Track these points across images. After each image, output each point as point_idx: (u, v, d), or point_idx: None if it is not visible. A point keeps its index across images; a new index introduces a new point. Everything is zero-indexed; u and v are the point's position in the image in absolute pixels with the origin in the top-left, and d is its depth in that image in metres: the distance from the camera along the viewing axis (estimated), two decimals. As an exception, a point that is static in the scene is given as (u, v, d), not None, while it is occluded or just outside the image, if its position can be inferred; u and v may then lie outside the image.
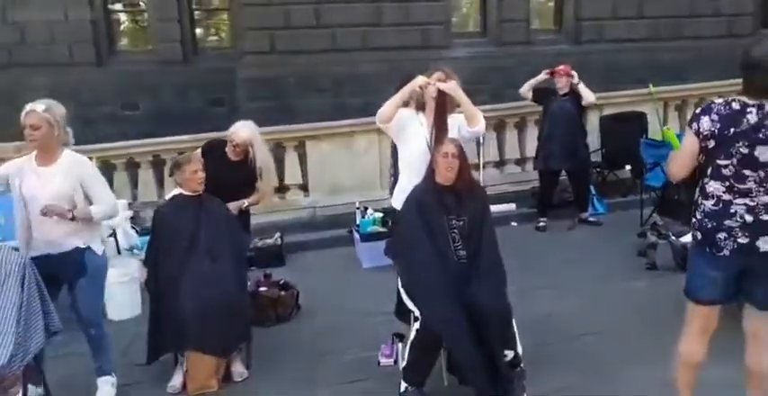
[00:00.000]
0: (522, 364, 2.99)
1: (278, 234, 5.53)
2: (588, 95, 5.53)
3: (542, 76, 5.81)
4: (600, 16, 9.63)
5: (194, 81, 9.39)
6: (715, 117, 2.16)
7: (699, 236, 2.28)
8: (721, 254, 2.22)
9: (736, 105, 2.16)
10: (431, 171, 3.00)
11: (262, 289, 4.15)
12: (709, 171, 2.22)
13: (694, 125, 2.21)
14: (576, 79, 5.59)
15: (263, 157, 3.87)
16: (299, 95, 8.75)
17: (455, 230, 2.93)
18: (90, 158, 5.51)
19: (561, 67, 5.71)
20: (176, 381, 3.30)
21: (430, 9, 9.21)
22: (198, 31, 10.18)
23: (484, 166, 6.63)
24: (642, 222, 5.36)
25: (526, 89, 5.91)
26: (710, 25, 9.82)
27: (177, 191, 3.49)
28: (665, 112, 6.90)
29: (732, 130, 2.13)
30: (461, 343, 2.71)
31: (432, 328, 2.75)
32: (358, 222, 5.35)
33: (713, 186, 2.22)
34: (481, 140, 6.44)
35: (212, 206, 3.50)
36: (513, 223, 6.03)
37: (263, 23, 8.60)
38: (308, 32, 8.75)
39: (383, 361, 3.35)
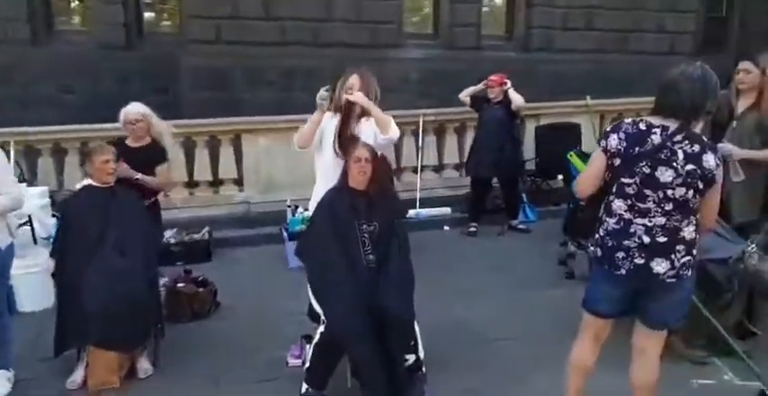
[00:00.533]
0: (423, 369, 3.04)
1: (206, 229, 5.44)
2: (517, 99, 5.63)
3: (480, 86, 5.89)
4: (550, 25, 9.84)
5: (137, 67, 9.12)
6: (623, 135, 2.21)
7: (599, 252, 2.32)
8: (618, 273, 2.27)
9: (642, 126, 2.20)
10: (344, 175, 3.01)
11: (180, 285, 4.08)
12: (614, 189, 2.26)
13: (603, 142, 2.26)
14: (507, 85, 5.68)
15: (160, 131, 3.91)
16: (246, 88, 8.63)
17: (365, 235, 2.94)
18: (6, 143, 5.43)
19: (494, 77, 5.79)
20: (77, 376, 3.22)
21: (382, 8, 9.22)
22: (148, 15, 9.90)
23: (422, 170, 6.70)
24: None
25: (464, 95, 5.98)
26: (654, 41, 10.18)
27: (87, 181, 3.39)
28: (602, 125, 7.09)
29: (637, 149, 2.17)
30: (362, 346, 2.73)
31: (334, 329, 2.75)
32: (288, 221, 5.31)
33: (617, 204, 2.26)
34: (420, 144, 6.51)
35: (125, 198, 3.41)
36: (446, 227, 6.10)
37: (209, 12, 8.43)
38: (257, 24, 8.63)
39: (291, 362, 3.34)
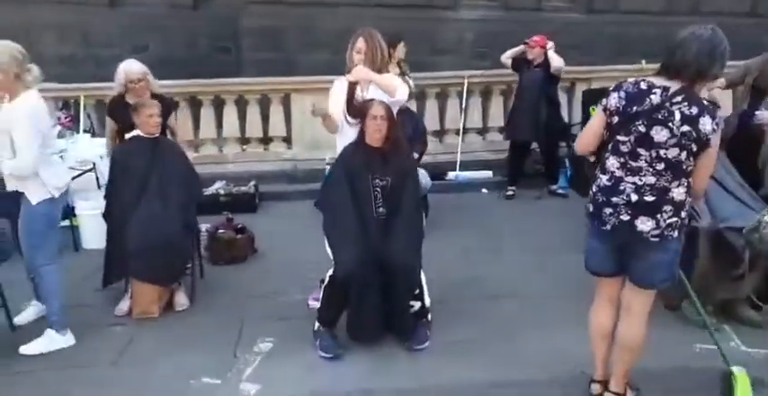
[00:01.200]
0: (428, 316, 3.23)
1: (253, 183, 5.79)
2: (556, 61, 5.54)
3: (521, 47, 5.82)
4: (616, -15, 9.41)
5: (203, 27, 9.52)
6: (623, 94, 2.23)
7: (591, 208, 2.38)
8: (604, 228, 2.32)
9: (643, 85, 2.21)
10: (361, 132, 3.17)
11: (220, 231, 4.43)
12: (610, 146, 2.29)
13: (604, 101, 2.29)
14: (549, 45, 5.58)
15: (156, 89, 4.05)
16: (301, 49, 8.85)
17: (378, 189, 3.11)
18: (77, 97, 5.92)
19: (536, 38, 5.68)
20: (124, 305, 3.66)
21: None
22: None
23: (466, 132, 6.75)
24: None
25: (506, 57, 5.94)
26: (732, 2, 9.52)
27: (136, 132, 3.73)
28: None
29: (635, 108, 2.19)
30: (364, 290, 2.96)
31: (340, 273, 2.99)
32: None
33: (611, 161, 2.30)
34: (463, 106, 6.54)
35: (167, 149, 3.74)
36: (484, 190, 6.18)
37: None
38: (313, -15, 8.78)
39: (311, 303, 3.62)
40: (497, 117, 6.76)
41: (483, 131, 6.86)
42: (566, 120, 6.30)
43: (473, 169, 6.47)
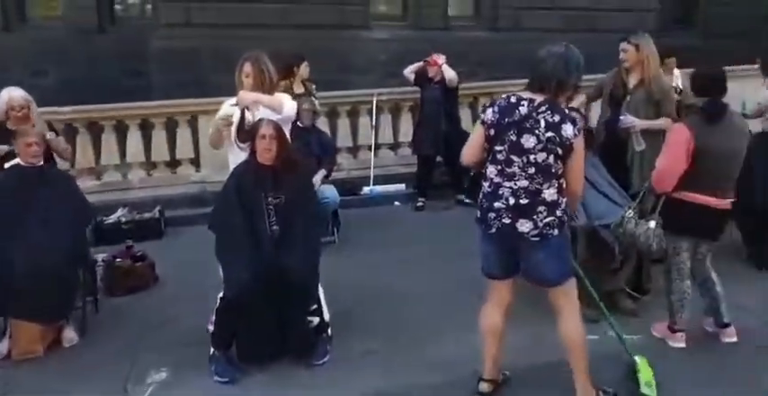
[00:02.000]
0: (329, 331, 3.22)
1: (158, 208, 5.61)
2: (449, 73, 5.77)
3: (421, 63, 6.00)
4: (517, 5, 9.88)
5: (109, 51, 9.24)
6: (496, 109, 2.43)
7: (478, 214, 2.54)
8: (490, 232, 2.47)
9: (513, 99, 2.42)
10: (252, 151, 3.15)
11: (117, 260, 4.26)
12: (489, 156, 2.47)
13: (482, 115, 2.48)
14: (441, 61, 5.79)
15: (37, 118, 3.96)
16: (215, 70, 8.69)
17: (271, 207, 3.10)
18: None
19: (434, 56, 5.90)
20: (2, 346, 3.39)
21: (349, -11, 9.29)
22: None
23: (379, 148, 6.85)
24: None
25: (408, 71, 6.11)
26: (619, 20, 10.20)
27: (16, 161, 3.55)
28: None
29: (507, 119, 2.38)
30: (256, 307, 2.93)
31: (230, 293, 2.94)
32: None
33: (490, 170, 2.47)
34: (373, 123, 6.65)
35: (53, 178, 3.58)
36: (397, 203, 6.28)
37: (178, -5, 8.53)
38: (226, 6, 8.73)
39: (210, 328, 3.52)
40: (407, 132, 6.90)
41: (395, 146, 6.99)
42: (469, 133, 6.49)
43: (387, 183, 6.57)
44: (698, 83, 2.87)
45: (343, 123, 6.76)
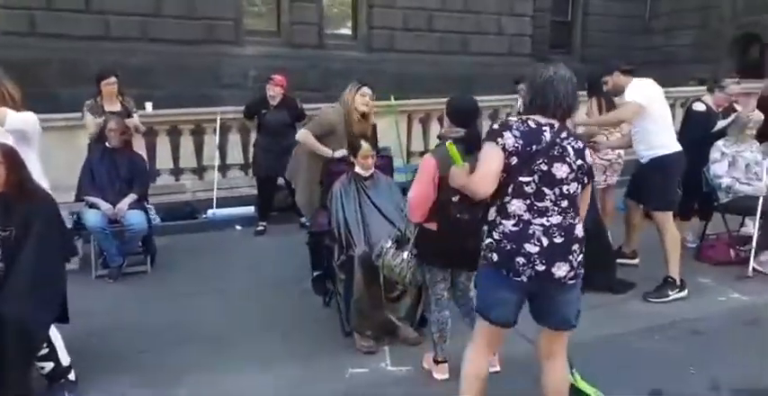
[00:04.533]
0: (70, 376, 2.90)
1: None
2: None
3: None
4: (391, 26, 9.98)
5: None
6: (517, 133, 2.10)
7: (495, 257, 2.14)
8: (519, 279, 2.11)
9: (532, 124, 2.13)
10: None
11: None
12: (510, 189, 2.12)
13: (500, 140, 2.10)
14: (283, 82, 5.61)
15: None
16: (64, 84, 8.20)
17: (-1, 241, 2.75)
18: None
19: (278, 76, 5.67)
20: None
21: (219, 4, 9.04)
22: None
23: (228, 168, 6.58)
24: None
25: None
26: (494, 43, 10.53)
27: None
28: (410, 125, 7.17)
29: (534, 147, 2.08)
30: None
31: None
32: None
33: (516, 205, 2.11)
34: (217, 143, 6.38)
35: None
36: (238, 227, 5.99)
37: (22, 2, 7.98)
38: (76, 16, 8.25)
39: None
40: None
41: (245, 167, 6.72)
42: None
43: (240, 205, 6.28)
44: (452, 113, 2.80)
45: (186, 141, 6.44)
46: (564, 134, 2.15)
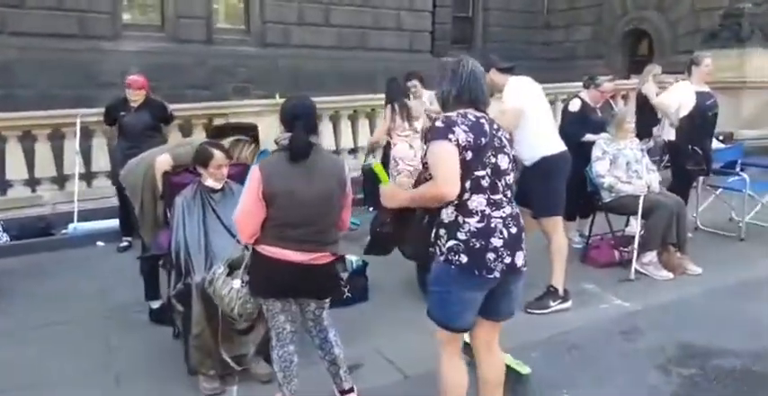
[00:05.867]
0: None
1: None
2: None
3: None
4: (285, 21, 9.49)
5: None
6: (465, 128, 2.02)
7: (464, 258, 2.02)
8: (492, 276, 2.04)
9: (471, 116, 2.06)
10: None
11: None
12: (468, 185, 2.03)
13: (452, 136, 1.99)
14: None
15: None
16: None
17: None
18: None
19: (135, 76, 5.05)
20: None
21: (92, -6, 8.26)
22: None
23: (94, 176, 5.91)
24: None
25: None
26: (394, 39, 10.27)
27: None
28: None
29: (482, 139, 2.04)
30: None
31: None
32: None
33: (477, 201, 2.04)
34: (77, 148, 5.70)
35: None
36: (100, 243, 5.34)
37: None
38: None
39: None
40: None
41: (113, 175, 6.05)
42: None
43: (102, 218, 5.61)
44: (281, 117, 2.41)
45: (43, 148, 5.71)
46: (496, 125, 2.15)
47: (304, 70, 9.31)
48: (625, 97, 7.87)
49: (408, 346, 3.07)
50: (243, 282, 2.41)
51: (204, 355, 2.76)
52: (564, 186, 3.53)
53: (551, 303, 3.42)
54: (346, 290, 3.64)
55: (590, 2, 12.17)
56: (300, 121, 2.36)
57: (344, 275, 3.67)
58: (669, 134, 4.79)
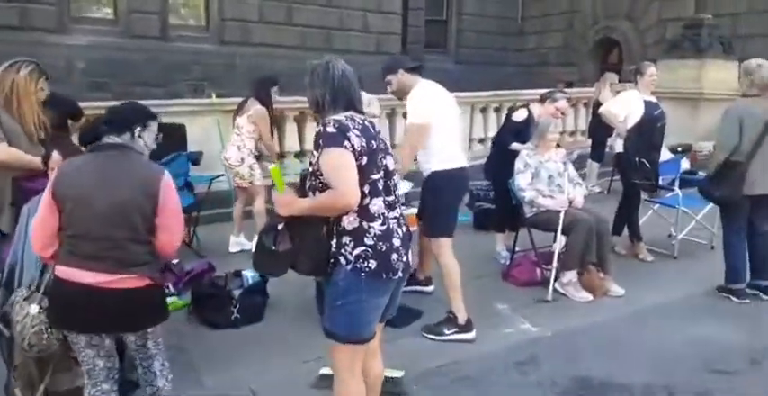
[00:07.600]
0: None
1: None
2: None
3: None
4: (245, 18, 9.21)
5: None
6: (357, 132, 1.97)
7: (374, 264, 1.96)
8: (396, 277, 2.02)
9: (358, 120, 2.02)
10: None
11: None
12: (367, 190, 1.99)
13: (347, 143, 1.93)
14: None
15: None
16: None
17: None
18: None
19: None
20: None
21: (37, -14, 7.95)
22: None
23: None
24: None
25: None
26: (360, 41, 10.01)
27: None
28: (282, 124, 6.42)
29: (373, 143, 2.01)
30: None
31: None
32: None
33: (377, 204, 2.01)
34: None
35: None
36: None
37: None
38: None
39: None
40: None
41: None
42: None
43: None
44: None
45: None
46: (377, 127, 2.15)
47: (263, 69, 8.99)
48: (586, 105, 7.66)
49: (281, 374, 2.78)
50: (41, 308, 2.09)
51: (28, 387, 2.44)
52: (456, 206, 3.27)
53: (446, 331, 3.12)
54: (235, 310, 3.36)
55: (563, 9, 11.97)
56: (114, 121, 2.09)
57: (237, 293, 3.41)
58: (619, 146, 4.54)
